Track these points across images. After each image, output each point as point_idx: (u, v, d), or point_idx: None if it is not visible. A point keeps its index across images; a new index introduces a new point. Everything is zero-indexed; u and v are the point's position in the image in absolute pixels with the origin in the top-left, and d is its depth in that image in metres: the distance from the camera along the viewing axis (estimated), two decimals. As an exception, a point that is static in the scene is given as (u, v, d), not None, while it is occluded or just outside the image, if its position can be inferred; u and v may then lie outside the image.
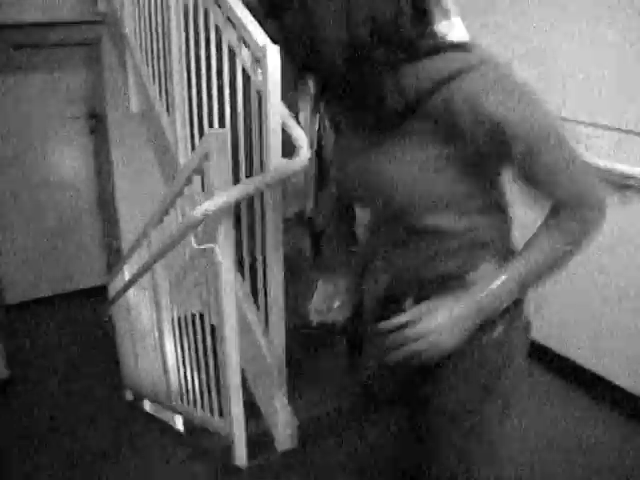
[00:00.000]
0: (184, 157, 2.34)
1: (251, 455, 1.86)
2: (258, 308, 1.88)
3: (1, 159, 6.10)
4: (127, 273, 3.24)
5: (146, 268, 2.37)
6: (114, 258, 6.43)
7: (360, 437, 1.98)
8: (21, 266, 6.28)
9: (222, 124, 1.86)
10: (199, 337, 2.09)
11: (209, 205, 1.43)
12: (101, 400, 4.58)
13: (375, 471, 1.82)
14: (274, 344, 1.73)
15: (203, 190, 1.74)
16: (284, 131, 1.55)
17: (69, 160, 6.72)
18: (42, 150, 6.48)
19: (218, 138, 1.48)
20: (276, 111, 1.52)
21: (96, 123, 6.27)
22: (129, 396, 4.59)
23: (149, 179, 5.70)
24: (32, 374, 4.88)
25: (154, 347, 2.97)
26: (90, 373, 4.17)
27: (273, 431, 1.91)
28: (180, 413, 2.63)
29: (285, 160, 1.55)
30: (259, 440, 1.91)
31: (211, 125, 1.97)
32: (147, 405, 3.85)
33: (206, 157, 1.56)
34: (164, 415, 3.45)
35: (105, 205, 6.57)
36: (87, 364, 4.77)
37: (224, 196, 1.44)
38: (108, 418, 4.27)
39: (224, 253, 1.56)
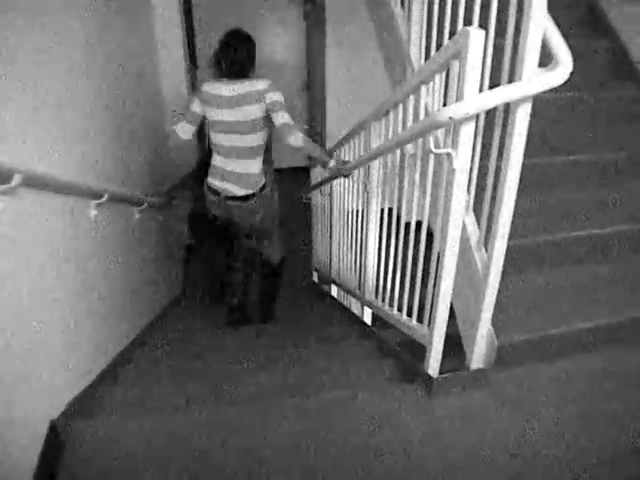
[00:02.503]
0: (416, 52, 2.24)
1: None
2: (479, 223, 1.81)
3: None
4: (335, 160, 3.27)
5: (363, 161, 2.36)
6: (314, 142, 6.61)
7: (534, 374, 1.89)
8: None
9: (467, 23, 1.70)
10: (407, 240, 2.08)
11: (458, 108, 1.34)
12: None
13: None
14: (492, 260, 1.65)
15: (445, 91, 1.64)
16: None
17: (282, 42, 6.87)
18: (256, 32, 6.66)
19: (475, 37, 1.34)
20: (539, 19, 1.34)
21: (311, 7, 6.26)
22: (315, 278, 4.85)
23: (360, 66, 5.67)
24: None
25: (353, 238, 3.04)
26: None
27: (468, 348, 1.89)
28: (370, 307, 2.70)
29: (544, 70, 1.38)
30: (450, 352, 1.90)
31: (453, 24, 1.83)
32: (334, 290, 4.01)
33: (456, 56, 1.45)
34: (353, 305, 3.58)
35: (312, 89, 6.70)
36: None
37: (476, 101, 1.33)
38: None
39: (461, 161, 1.48)
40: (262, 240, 3.36)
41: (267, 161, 3.03)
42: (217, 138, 2.86)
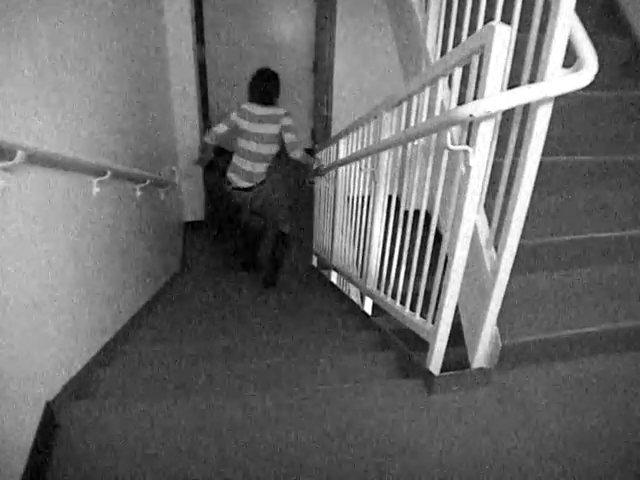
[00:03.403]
0: (432, 43, 2.19)
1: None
2: (490, 222, 1.77)
3: (233, 22, 6.36)
4: (342, 148, 3.23)
5: (372, 151, 2.32)
6: (321, 125, 6.58)
7: (564, 377, 1.88)
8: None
9: (487, 15, 1.66)
10: (412, 231, 2.05)
11: (479, 106, 1.30)
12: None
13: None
14: (501, 260, 1.62)
15: (463, 86, 1.59)
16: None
17: (291, 22, 6.79)
18: (265, 11, 6.61)
19: (500, 33, 1.30)
20: (566, 17, 1.29)
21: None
22: (314, 262, 4.83)
23: (370, 50, 5.60)
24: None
25: (357, 226, 3.01)
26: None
27: (471, 347, 1.87)
28: (371, 297, 2.67)
29: (568, 71, 1.34)
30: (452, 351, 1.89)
31: (472, 20, 1.79)
32: (333, 276, 3.99)
33: (478, 51, 1.40)
34: (352, 292, 3.57)
35: (320, 71, 6.63)
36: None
37: (498, 99, 1.29)
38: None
39: (478, 159, 1.44)
40: (275, 217, 4.33)
41: (275, 165, 4.19)
42: (242, 144, 3.93)
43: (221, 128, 3.92)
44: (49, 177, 1.73)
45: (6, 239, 1.41)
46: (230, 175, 4.05)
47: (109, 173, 2.25)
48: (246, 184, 4.01)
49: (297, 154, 3.86)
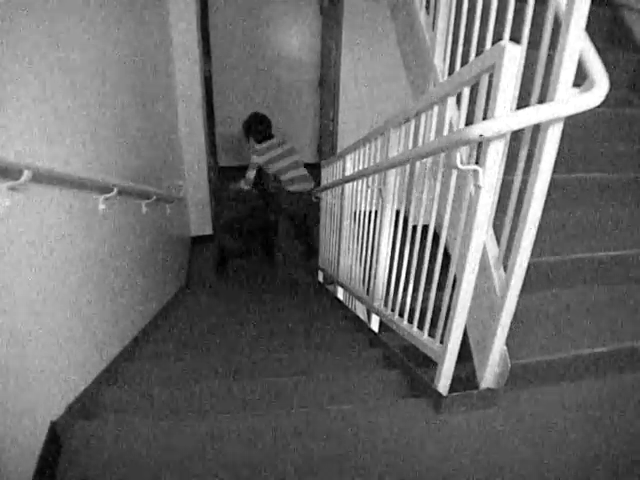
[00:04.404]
0: (440, 61, 2.18)
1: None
2: (498, 240, 1.76)
3: (239, 37, 6.39)
4: (349, 164, 3.23)
5: (379, 168, 2.31)
6: (325, 140, 6.60)
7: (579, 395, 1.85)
8: (232, 137, 7.05)
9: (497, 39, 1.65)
10: (421, 248, 2.03)
11: (490, 126, 1.29)
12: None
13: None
14: (511, 280, 1.60)
15: (471, 104, 1.58)
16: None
17: (297, 38, 6.82)
18: (272, 27, 6.65)
19: (510, 53, 1.29)
20: (577, 36, 1.29)
21: (328, 4, 6.21)
22: (320, 277, 4.81)
23: (376, 66, 5.61)
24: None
25: (364, 243, 2.99)
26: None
27: (479, 367, 1.85)
28: (378, 314, 2.65)
29: (578, 91, 1.32)
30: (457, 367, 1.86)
31: (481, 32, 1.78)
32: (339, 292, 3.97)
33: (488, 70, 1.39)
34: (358, 308, 3.54)
35: (325, 87, 6.66)
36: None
37: (509, 120, 1.28)
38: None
39: (488, 179, 1.43)
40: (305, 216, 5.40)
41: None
42: (283, 163, 4.88)
43: (252, 174, 4.85)
44: (55, 195, 1.73)
45: (12, 257, 1.40)
46: (290, 188, 4.92)
47: (115, 190, 2.25)
48: (306, 186, 4.95)
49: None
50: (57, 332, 1.70)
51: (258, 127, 4.86)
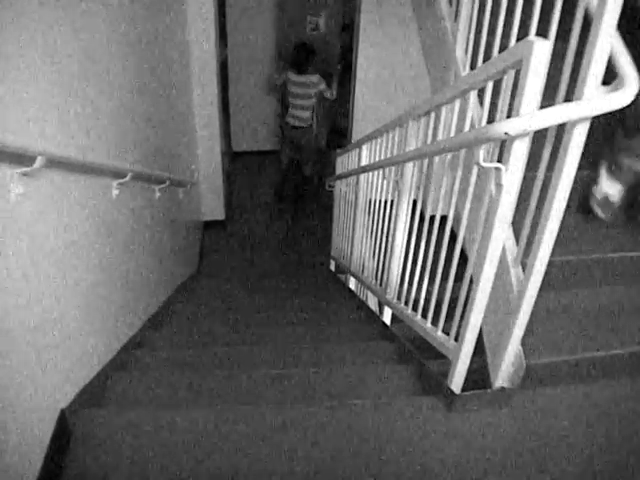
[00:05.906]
0: (462, 53, 2.13)
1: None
2: (517, 239, 1.72)
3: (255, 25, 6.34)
4: (365, 154, 3.18)
5: (396, 160, 2.28)
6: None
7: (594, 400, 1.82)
8: (247, 123, 7.19)
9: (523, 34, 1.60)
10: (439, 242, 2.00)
11: (516, 124, 1.25)
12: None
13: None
14: (530, 279, 1.56)
15: (495, 101, 1.54)
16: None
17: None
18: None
19: (539, 49, 1.24)
20: (609, 33, 1.24)
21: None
22: (332, 267, 4.79)
23: (392, 58, 5.53)
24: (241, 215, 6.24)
25: (379, 235, 2.96)
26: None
27: (493, 366, 1.82)
28: (391, 307, 2.63)
29: (607, 89, 1.28)
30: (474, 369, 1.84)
31: (506, 24, 1.74)
32: (351, 282, 3.95)
33: (515, 66, 1.35)
34: (370, 299, 3.52)
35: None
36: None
37: (536, 118, 1.24)
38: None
39: (510, 177, 1.39)
40: (308, 157, 6.29)
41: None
42: (290, 99, 5.83)
43: (281, 79, 5.77)
44: (69, 181, 1.71)
45: (26, 243, 1.38)
46: (288, 119, 5.86)
47: (129, 175, 2.23)
48: (299, 124, 5.82)
49: (328, 94, 5.69)
50: (69, 319, 1.69)
51: (293, 51, 5.69)
